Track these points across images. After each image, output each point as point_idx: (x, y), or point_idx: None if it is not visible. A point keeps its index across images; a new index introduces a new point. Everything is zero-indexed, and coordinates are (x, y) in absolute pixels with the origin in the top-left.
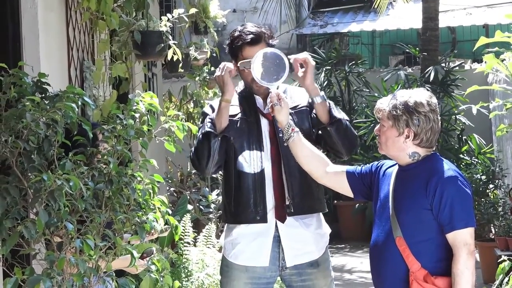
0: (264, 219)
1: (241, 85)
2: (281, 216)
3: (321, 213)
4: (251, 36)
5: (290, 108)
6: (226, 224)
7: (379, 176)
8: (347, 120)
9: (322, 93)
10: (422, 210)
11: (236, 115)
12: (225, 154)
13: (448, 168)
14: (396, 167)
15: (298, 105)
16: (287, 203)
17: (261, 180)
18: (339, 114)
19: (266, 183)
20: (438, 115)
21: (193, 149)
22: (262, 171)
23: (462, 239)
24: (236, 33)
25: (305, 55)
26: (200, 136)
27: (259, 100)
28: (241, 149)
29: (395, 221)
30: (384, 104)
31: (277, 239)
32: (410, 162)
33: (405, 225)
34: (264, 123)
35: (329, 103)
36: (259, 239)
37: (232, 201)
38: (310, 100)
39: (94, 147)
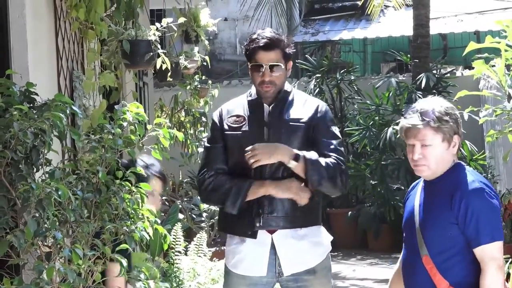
0: (254, 235)
1: (253, 91)
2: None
3: (319, 224)
4: (265, 41)
5: (290, 120)
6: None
7: (406, 199)
8: (332, 165)
9: (297, 152)
10: (448, 224)
11: (241, 127)
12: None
13: (473, 179)
14: (422, 181)
15: (300, 119)
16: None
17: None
18: (316, 172)
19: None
20: None
21: (208, 191)
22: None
23: (489, 254)
24: (253, 36)
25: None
26: (226, 198)
27: (266, 108)
28: (245, 164)
29: (421, 238)
30: (414, 122)
31: (273, 247)
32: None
33: (430, 242)
34: (267, 133)
35: (306, 164)
36: (257, 250)
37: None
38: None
39: None
